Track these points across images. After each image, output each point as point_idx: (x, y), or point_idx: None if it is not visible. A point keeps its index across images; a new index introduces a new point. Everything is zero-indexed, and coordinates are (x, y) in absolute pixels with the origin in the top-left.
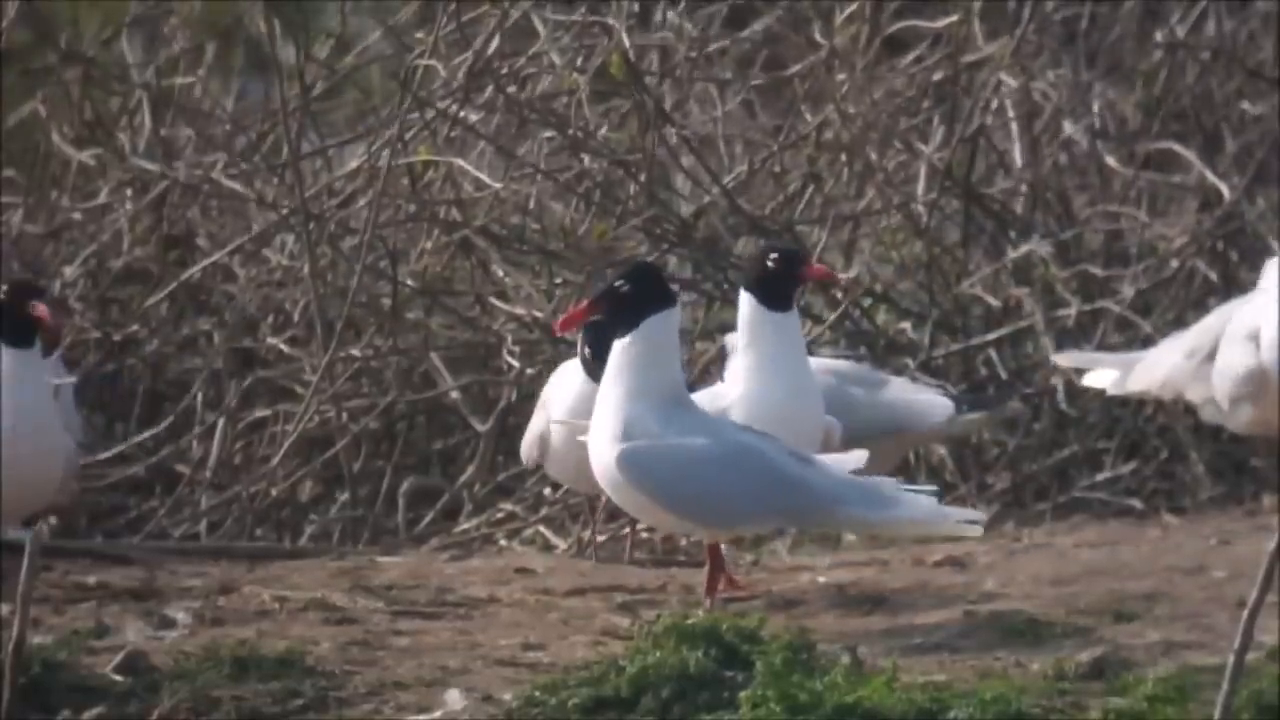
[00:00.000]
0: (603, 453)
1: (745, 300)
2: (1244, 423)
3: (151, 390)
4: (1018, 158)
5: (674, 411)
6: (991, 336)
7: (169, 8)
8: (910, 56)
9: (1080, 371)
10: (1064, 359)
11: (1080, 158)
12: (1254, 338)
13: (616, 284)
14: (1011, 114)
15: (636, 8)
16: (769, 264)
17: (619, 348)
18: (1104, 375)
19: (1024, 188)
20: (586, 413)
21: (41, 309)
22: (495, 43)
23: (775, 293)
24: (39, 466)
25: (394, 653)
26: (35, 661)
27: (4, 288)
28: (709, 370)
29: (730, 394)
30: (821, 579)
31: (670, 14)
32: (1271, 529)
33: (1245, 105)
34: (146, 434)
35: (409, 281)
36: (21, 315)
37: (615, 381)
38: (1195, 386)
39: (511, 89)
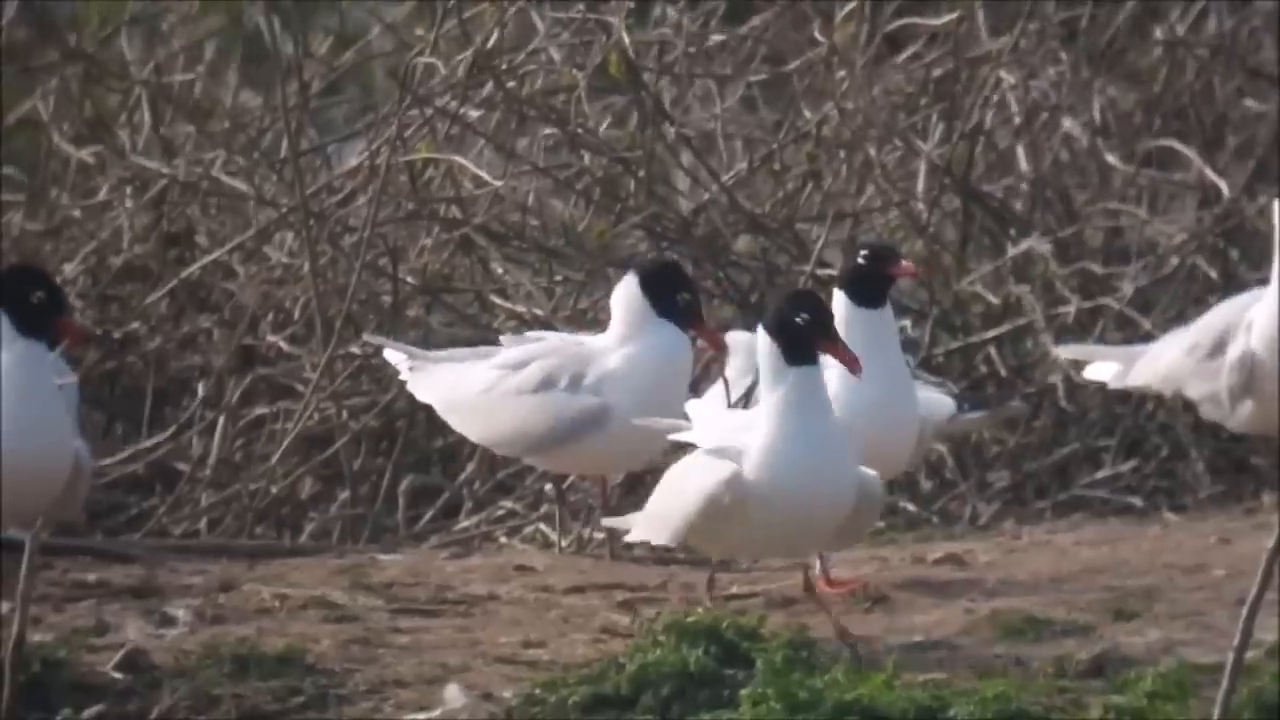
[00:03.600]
0: (840, 476)
1: (837, 298)
2: (1244, 419)
3: (152, 388)
4: (1019, 155)
5: None
6: (991, 334)
7: (167, 5)
8: (909, 52)
9: (1081, 364)
10: (1065, 352)
11: (1080, 155)
12: (1248, 328)
13: (794, 316)
14: (1014, 109)
15: (632, 4)
16: (860, 261)
17: (801, 377)
18: (1105, 368)
19: (1024, 185)
20: None
21: (71, 326)
22: (495, 39)
23: (866, 289)
24: (41, 464)
25: (394, 650)
26: (35, 660)
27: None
28: (709, 368)
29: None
30: None
31: (670, 10)
32: (1271, 527)
33: (1247, 103)
34: (151, 441)
35: (409, 279)
36: (29, 302)
37: (806, 406)
38: (1195, 383)
39: (511, 84)
